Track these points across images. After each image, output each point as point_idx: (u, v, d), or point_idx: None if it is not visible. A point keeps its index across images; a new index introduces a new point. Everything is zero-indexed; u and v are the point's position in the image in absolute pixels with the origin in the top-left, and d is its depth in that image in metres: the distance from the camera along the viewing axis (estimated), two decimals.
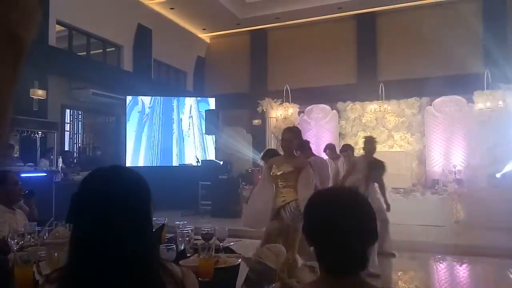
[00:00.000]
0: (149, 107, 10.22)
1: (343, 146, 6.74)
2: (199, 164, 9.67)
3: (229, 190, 9.08)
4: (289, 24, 11.72)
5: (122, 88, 9.66)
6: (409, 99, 9.36)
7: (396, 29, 10.65)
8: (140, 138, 10.02)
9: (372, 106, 9.69)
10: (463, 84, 8.33)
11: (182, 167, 9.94)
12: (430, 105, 9.16)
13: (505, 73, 8.24)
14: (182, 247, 2.11)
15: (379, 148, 9.36)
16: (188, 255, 2.08)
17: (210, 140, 10.38)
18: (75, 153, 9.86)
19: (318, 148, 10.04)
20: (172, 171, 9.39)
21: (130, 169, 1.07)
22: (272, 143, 9.97)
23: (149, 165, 9.87)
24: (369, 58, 10.92)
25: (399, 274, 5.34)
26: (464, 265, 5.45)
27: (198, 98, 10.87)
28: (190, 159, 10.23)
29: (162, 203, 6.19)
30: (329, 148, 6.92)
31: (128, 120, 9.90)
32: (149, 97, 10.23)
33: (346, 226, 1.00)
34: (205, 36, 12.88)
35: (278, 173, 3.50)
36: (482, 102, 8.24)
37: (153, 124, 10.23)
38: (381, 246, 4.99)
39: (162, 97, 10.40)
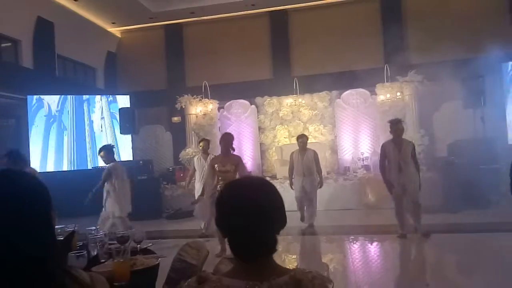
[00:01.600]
0: (55, 107, 9.40)
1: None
2: None
3: (150, 191, 8.78)
4: (205, 19, 11.64)
5: (22, 87, 8.73)
6: (320, 93, 9.95)
7: (307, 26, 11.18)
8: (47, 141, 9.18)
9: (288, 100, 10.11)
10: (366, 77, 9.07)
11: (96, 170, 9.32)
12: (339, 98, 9.83)
13: (402, 67, 9.16)
14: (95, 253, 1.99)
15: (295, 140, 9.89)
16: (103, 260, 1.97)
17: (126, 139, 9.88)
18: None
19: (239, 144, 10.18)
20: (85, 175, 8.75)
21: (24, 173, 0.98)
22: (193, 140, 9.86)
23: (59, 170, 9.11)
24: (282, 54, 11.32)
25: (317, 257, 5.67)
26: (375, 244, 5.98)
27: (110, 97, 10.26)
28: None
29: (75, 209, 5.75)
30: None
31: (33, 123, 9.01)
32: (55, 96, 9.40)
33: (254, 215, 1.05)
34: (115, 30, 12.20)
35: (223, 169, 4.92)
36: (383, 94, 9.08)
37: (62, 125, 9.45)
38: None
39: (69, 96, 9.63)
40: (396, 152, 5.64)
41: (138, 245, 2.15)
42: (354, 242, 6.03)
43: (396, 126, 5.70)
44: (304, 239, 6.38)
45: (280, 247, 1.11)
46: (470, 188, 6.88)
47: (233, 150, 5.21)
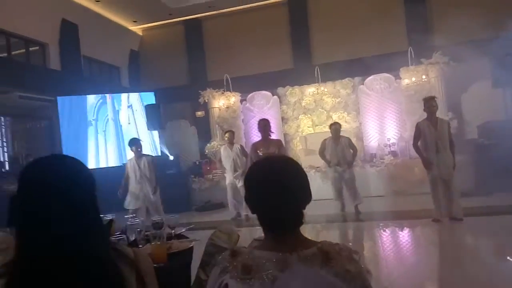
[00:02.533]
0: (92, 114, 9.76)
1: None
2: None
3: (178, 185, 8.97)
4: (223, 12, 11.67)
5: (51, 88, 9.06)
6: (343, 80, 9.82)
7: (326, 13, 11.02)
8: (81, 140, 9.53)
9: (310, 89, 10.04)
10: (390, 61, 8.85)
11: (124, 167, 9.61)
12: (363, 84, 9.67)
13: (426, 49, 8.91)
14: (133, 238, 2.09)
15: (320, 129, 9.85)
16: (140, 246, 2.06)
17: (153, 135, 10.12)
18: (6, 163, 9.13)
19: None
20: (114, 172, 9.04)
21: (71, 156, 1.06)
22: (217, 133, 9.98)
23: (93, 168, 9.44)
24: (303, 42, 11.21)
25: (348, 244, 5.66)
26: (405, 229, 5.91)
27: (138, 93, 10.50)
28: None
29: (110, 205, 5.95)
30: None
31: (64, 122, 9.35)
32: (83, 96, 9.72)
33: (279, 191, 1.10)
34: (137, 29, 12.43)
35: (267, 152, 5.04)
36: (408, 77, 8.86)
37: (93, 123, 9.78)
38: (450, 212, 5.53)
39: (96, 95, 9.93)
40: (432, 131, 5.47)
41: (173, 231, 2.24)
42: (384, 228, 5.98)
43: (429, 103, 5.53)
44: (333, 227, 6.38)
45: (309, 236, 1.15)
46: (503, 170, 6.66)
47: (272, 133, 5.46)
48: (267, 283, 1.02)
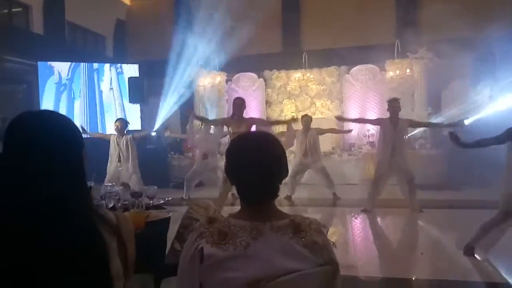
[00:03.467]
0: (66, 75, 9.48)
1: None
2: None
3: (158, 160, 8.96)
4: None
5: (32, 53, 8.80)
6: (329, 68, 9.88)
7: (318, 0, 10.97)
8: (57, 109, 9.32)
9: (296, 75, 10.08)
10: (376, 53, 8.95)
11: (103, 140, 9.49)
12: (348, 73, 9.77)
13: (413, 43, 9.03)
14: (112, 205, 2.13)
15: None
16: None
17: (134, 109, 9.97)
18: None
19: (246, 115, 10.24)
20: (92, 144, 8.92)
21: (60, 113, 1.05)
22: (201, 112, 9.94)
23: None
24: (293, 27, 11.15)
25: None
26: (376, 217, 6.12)
27: (119, 68, 10.27)
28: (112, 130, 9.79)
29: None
30: None
31: (43, 89, 9.12)
32: (65, 63, 9.47)
33: (258, 166, 1.17)
34: None
35: (237, 131, 4.83)
36: (392, 70, 9.01)
37: (72, 93, 9.56)
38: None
39: (80, 64, 9.69)
40: (391, 131, 5.73)
41: (151, 201, 2.29)
42: (356, 215, 6.17)
43: (393, 104, 5.80)
44: (309, 211, 6.55)
45: None
46: (475, 166, 6.94)
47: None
48: (240, 249, 1.09)
